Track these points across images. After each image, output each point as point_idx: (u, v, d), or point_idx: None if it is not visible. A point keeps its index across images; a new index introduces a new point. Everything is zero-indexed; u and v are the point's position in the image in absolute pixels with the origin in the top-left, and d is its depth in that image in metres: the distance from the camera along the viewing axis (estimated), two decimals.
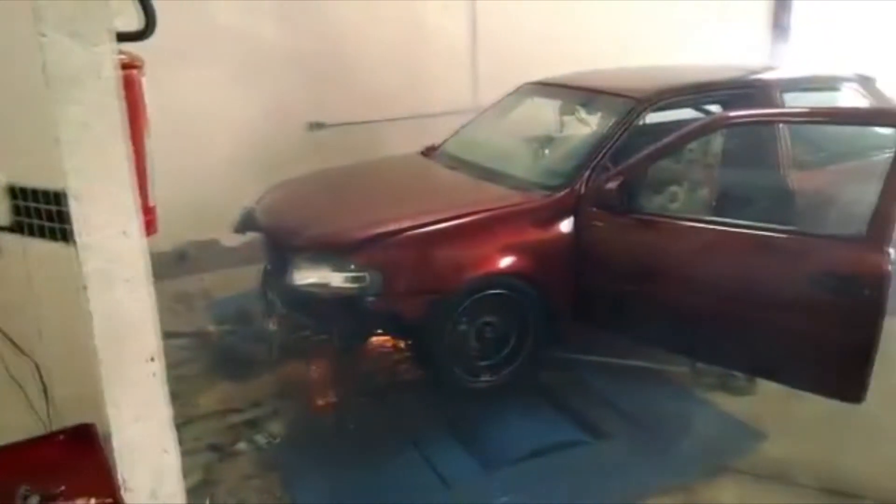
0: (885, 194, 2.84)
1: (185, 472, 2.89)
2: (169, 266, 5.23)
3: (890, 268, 2.78)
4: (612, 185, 3.48)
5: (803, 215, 3.77)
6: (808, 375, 3.08)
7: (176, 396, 3.63)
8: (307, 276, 3.42)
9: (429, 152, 4.63)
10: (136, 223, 1.50)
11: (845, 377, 2.96)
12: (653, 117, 4.09)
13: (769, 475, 3.11)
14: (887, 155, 2.95)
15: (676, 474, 3.12)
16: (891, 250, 2.81)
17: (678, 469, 3.15)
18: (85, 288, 1.49)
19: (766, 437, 3.35)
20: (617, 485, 3.06)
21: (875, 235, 2.83)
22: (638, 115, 3.90)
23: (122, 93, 1.44)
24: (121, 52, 1.60)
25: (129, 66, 1.70)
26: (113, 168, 1.47)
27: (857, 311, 2.84)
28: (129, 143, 1.44)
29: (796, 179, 3.95)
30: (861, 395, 2.95)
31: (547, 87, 4.66)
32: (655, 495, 3.00)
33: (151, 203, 1.82)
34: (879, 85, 4.61)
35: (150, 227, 1.71)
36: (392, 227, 3.48)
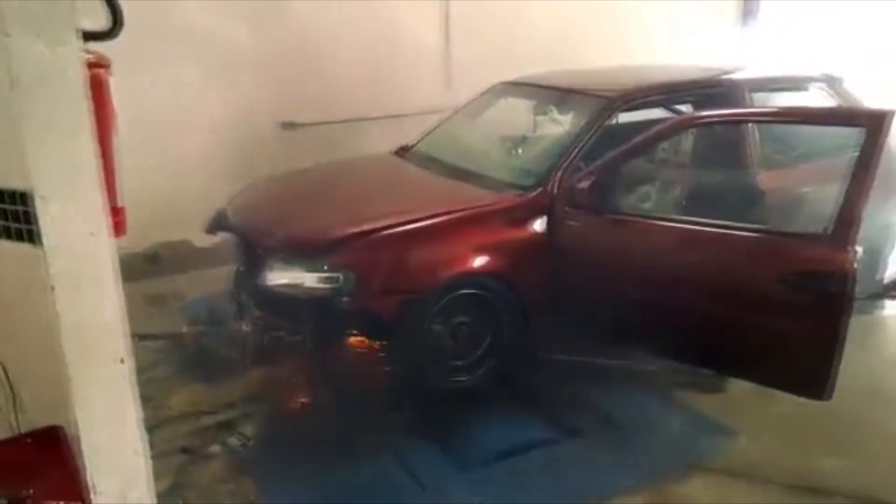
0: (849, 193, 2.90)
1: (157, 475, 2.87)
2: (140, 267, 5.18)
3: (855, 265, 2.84)
4: (584, 184, 3.51)
5: (772, 214, 3.82)
6: (776, 373, 3.13)
7: (148, 399, 3.62)
8: (280, 277, 3.41)
9: (402, 152, 4.63)
10: (104, 224, 1.49)
11: (812, 374, 3.00)
12: (625, 117, 4.12)
13: (740, 473, 3.15)
14: (854, 154, 3.01)
15: (648, 472, 3.15)
16: (856, 248, 2.86)
17: (650, 467, 3.18)
18: (52, 289, 1.48)
19: (737, 435, 3.39)
20: (590, 483, 3.08)
21: (840, 233, 2.88)
22: (610, 115, 3.93)
23: (89, 92, 1.42)
24: (87, 52, 1.59)
25: (96, 66, 1.69)
26: (80, 168, 1.46)
27: (823, 309, 2.89)
28: (97, 144, 1.43)
29: (765, 178, 4.00)
30: (827, 391, 3.01)
31: (520, 87, 4.68)
32: (628, 493, 3.02)
33: (120, 204, 1.80)
34: (847, 85, 4.69)
35: (118, 227, 1.70)
36: (365, 227, 3.47)
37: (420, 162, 4.39)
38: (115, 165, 1.72)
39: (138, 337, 4.12)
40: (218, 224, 4.11)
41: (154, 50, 4.88)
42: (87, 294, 1.49)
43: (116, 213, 1.72)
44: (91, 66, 1.62)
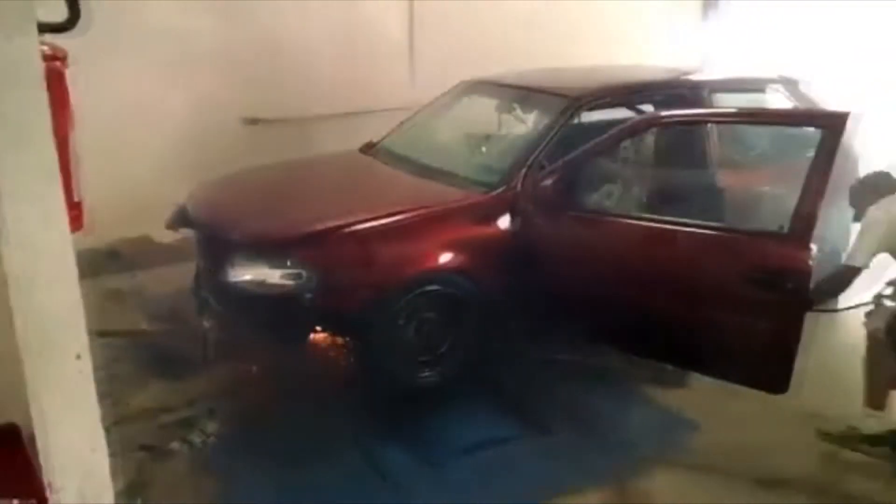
0: (806, 192, 2.97)
1: (117, 473, 2.83)
2: (100, 263, 5.09)
3: (812, 262, 2.90)
4: (548, 182, 3.54)
5: (731, 212, 3.89)
6: (736, 368, 3.19)
7: (107, 396, 3.53)
8: (243, 274, 3.38)
9: (367, 149, 4.62)
10: (61, 219, 1.46)
11: (770, 369, 3.07)
12: (588, 116, 4.16)
13: (701, 466, 3.20)
14: (810, 155, 3.08)
15: (612, 466, 3.19)
16: (813, 246, 2.93)
17: (613, 460, 3.22)
18: (7, 285, 1.45)
19: (698, 429, 3.45)
20: (554, 477, 3.11)
21: (798, 231, 2.95)
22: (573, 114, 3.97)
23: (45, 85, 1.39)
24: (44, 44, 1.56)
25: (53, 59, 1.66)
26: (36, 162, 1.43)
27: (781, 305, 2.96)
28: (53, 137, 1.40)
29: (725, 177, 4.07)
30: (784, 385, 3.07)
31: (485, 85, 4.69)
32: (591, 487, 3.06)
33: (77, 198, 1.77)
34: (802, 87, 4.79)
35: (76, 222, 1.67)
36: (330, 223, 3.46)
37: (385, 159, 4.39)
38: (72, 159, 1.69)
39: (97, 333, 4.03)
40: (179, 220, 4.06)
41: (113, 42, 4.80)
42: (44, 290, 1.46)
43: (74, 207, 1.69)
44: (48, 58, 1.59)
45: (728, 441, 3.36)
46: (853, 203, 3.33)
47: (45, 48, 1.62)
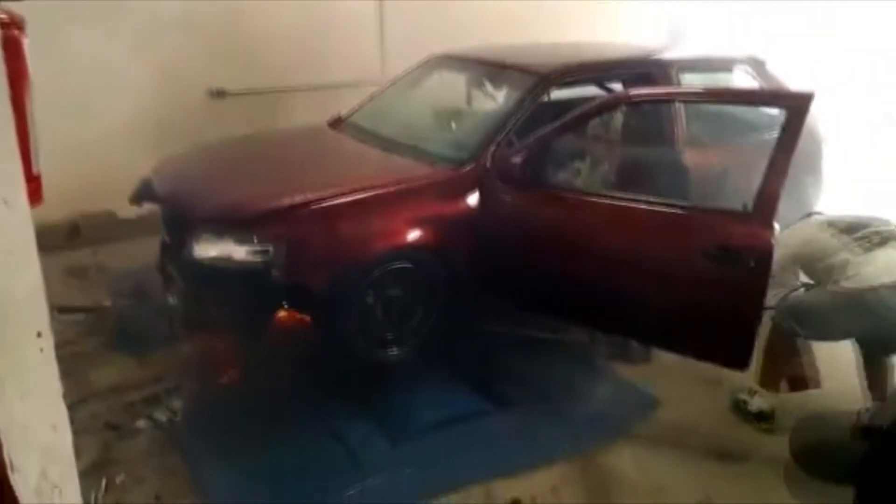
0: (770, 171, 3.01)
1: (82, 452, 2.83)
2: (61, 238, 5.01)
3: (773, 241, 2.95)
4: (516, 159, 3.54)
5: (697, 190, 3.93)
6: (700, 344, 3.24)
7: (71, 373, 3.54)
8: (208, 250, 3.33)
9: (335, 123, 4.57)
10: (19, 192, 1.42)
11: (733, 346, 3.13)
12: (557, 94, 4.16)
13: (663, 440, 3.26)
14: (776, 134, 3.11)
15: (576, 440, 3.23)
16: (776, 225, 2.98)
17: (578, 435, 3.27)
18: None
19: (661, 404, 3.51)
20: (520, 453, 3.14)
21: (761, 210, 2.99)
22: (543, 91, 3.96)
23: (2, 54, 1.35)
24: (1, 12, 1.51)
25: (10, 26, 1.60)
26: None
27: (744, 283, 3.00)
28: (10, 107, 1.36)
29: (691, 156, 4.11)
30: (746, 362, 3.14)
31: (454, 60, 4.66)
32: (557, 461, 3.10)
33: (36, 171, 1.72)
34: (770, 67, 4.84)
35: (34, 196, 1.62)
36: (297, 199, 3.42)
37: (353, 133, 4.35)
38: (29, 131, 1.65)
39: (59, 310, 4.00)
40: (143, 194, 3.98)
41: (75, 9, 4.69)
42: (1, 265, 1.43)
43: (33, 180, 1.64)
44: (4, 25, 1.53)
45: (689, 415, 3.43)
46: None
47: (3, 16, 1.56)
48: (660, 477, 3.05)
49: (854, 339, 3.30)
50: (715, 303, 3.09)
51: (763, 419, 3.36)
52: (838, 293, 3.09)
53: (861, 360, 3.36)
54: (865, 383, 3.35)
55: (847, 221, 3.30)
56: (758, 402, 3.38)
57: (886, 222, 3.29)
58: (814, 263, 3.26)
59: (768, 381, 3.39)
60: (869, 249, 3.12)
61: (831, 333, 3.25)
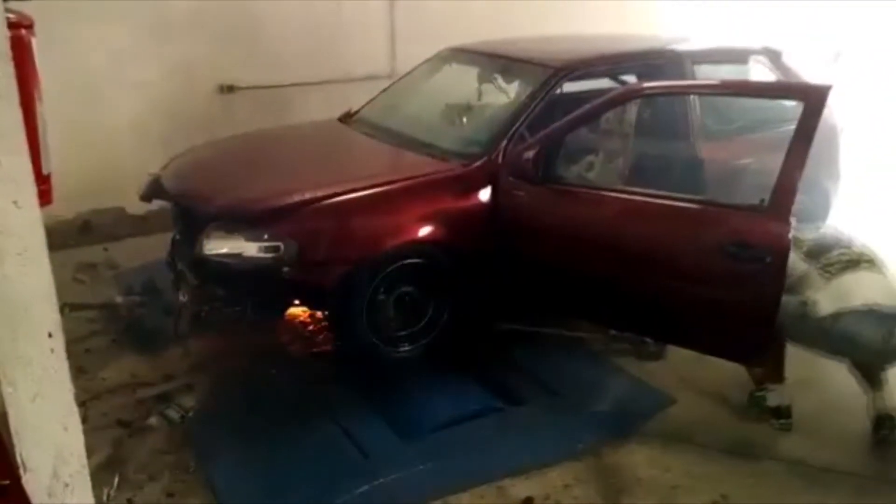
0: (786, 165, 2.96)
1: (93, 449, 2.82)
2: (72, 235, 5.02)
3: (790, 236, 2.91)
4: (528, 154, 3.50)
5: (712, 185, 3.89)
6: (714, 340, 3.21)
7: (83, 371, 3.55)
8: (219, 247, 3.32)
9: (346, 119, 4.55)
10: (29, 193, 1.41)
11: (747, 342, 3.10)
12: (570, 87, 4.12)
13: (677, 437, 3.23)
14: (792, 127, 3.07)
15: (589, 438, 3.21)
16: (792, 220, 2.93)
17: (591, 433, 3.24)
18: None
19: (675, 401, 3.47)
20: (532, 450, 3.12)
21: (777, 205, 2.95)
22: (555, 85, 3.92)
23: (10, 54, 1.34)
24: (9, 12, 1.50)
25: (18, 26, 1.59)
26: (3, 135, 1.38)
27: (760, 279, 2.97)
28: (19, 108, 1.35)
29: (706, 150, 4.07)
30: (762, 358, 3.10)
31: (466, 54, 4.63)
32: (568, 459, 3.08)
33: (46, 172, 1.72)
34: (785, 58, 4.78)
35: (44, 196, 1.62)
36: (308, 195, 3.41)
37: (365, 129, 4.32)
38: (39, 131, 1.64)
39: (70, 307, 4.00)
40: (153, 191, 3.97)
41: (84, 7, 4.69)
42: (12, 267, 1.42)
43: (42, 181, 1.64)
44: (13, 26, 1.52)
45: (704, 413, 3.40)
46: None
47: (11, 16, 1.55)
48: (674, 475, 3.02)
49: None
50: (730, 298, 3.06)
51: (781, 416, 3.30)
52: (810, 325, 3.07)
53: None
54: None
55: (811, 243, 3.23)
56: (775, 398, 3.32)
57: (849, 243, 3.21)
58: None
59: (777, 375, 3.33)
60: (830, 279, 3.08)
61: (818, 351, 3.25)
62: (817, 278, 3.11)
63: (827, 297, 3.05)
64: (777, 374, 3.34)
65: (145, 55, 5.14)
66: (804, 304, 3.10)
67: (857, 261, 3.12)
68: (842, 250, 3.17)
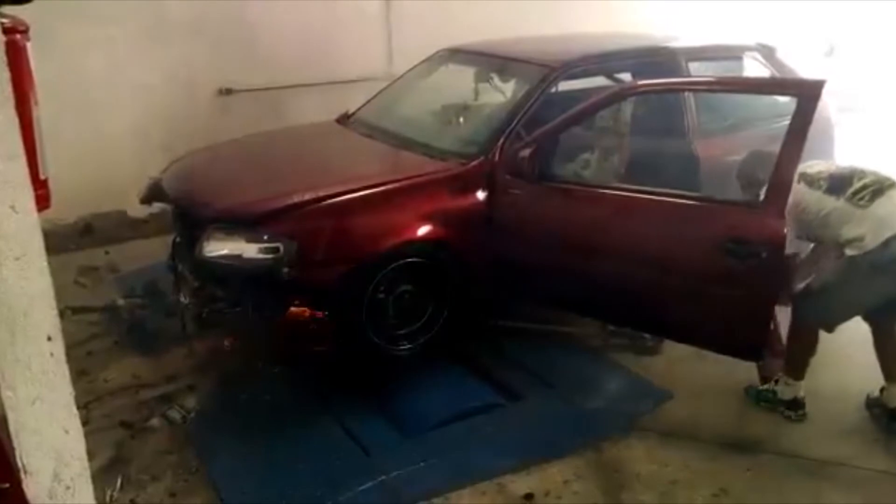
0: (781, 161, 2.97)
1: (96, 451, 2.85)
2: (73, 239, 5.04)
3: (786, 232, 2.92)
4: (525, 153, 3.51)
5: (708, 181, 3.90)
6: (711, 336, 3.22)
7: (85, 373, 3.57)
8: (219, 248, 3.33)
9: (344, 120, 4.57)
10: (26, 197, 1.42)
11: (745, 337, 3.11)
12: (565, 85, 4.14)
13: (675, 432, 3.24)
14: (786, 122, 3.08)
15: (587, 433, 3.23)
16: (787, 215, 2.94)
17: (589, 428, 3.26)
18: None
19: (673, 396, 3.49)
20: (531, 446, 3.14)
21: (773, 201, 2.96)
22: (551, 83, 3.93)
23: (5, 59, 1.35)
24: (3, 16, 1.51)
25: (13, 31, 1.61)
26: None
27: (757, 275, 2.98)
28: (14, 113, 1.36)
29: (702, 146, 4.08)
30: (759, 353, 3.11)
31: (462, 54, 4.64)
32: (567, 454, 3.09)
33: (43, 176, 1.73)
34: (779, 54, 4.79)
35: (42, 201, 1.64)
36: (307, 196, 3.42)
37: (363, 130, 4.34)
38: (35, 135, 1.65)
39: (72, 310, 4.02)
40: (153, 194, 3.99)
41: (81, 11, 4.70)
42: (11, 271, 1.43)
43: (40, 185, 1.65)
44: (7, 30, 1.54)
45: (701, 408, 3.41)
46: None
47: (5, 20, 1.57)
48: (673, 470, 3.03)
49: (867, 316, 3.24)
50: (727, 294, 3.07)
51: (797, 408, 3.30)
52: (850, 263, 3.02)
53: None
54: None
55: (829, 177, 3.14)
56: (788, 391, 3.32)
57: (864, 172, 3.14)
58: (810, 223, 3.13)
59: (797, 370, 3.31)
60: (866, 208, 3.01)
61: (850, 310, 3.18)
62: (852, 210, 3.03)
63: (869, 228, 2.99)
64: (798, 371, 3.31)
65: (144, 59, 5.16)
66: (842, 246, 3.03)
67: (882, 184, 3.07)
68: (862, 178, 3.10)
